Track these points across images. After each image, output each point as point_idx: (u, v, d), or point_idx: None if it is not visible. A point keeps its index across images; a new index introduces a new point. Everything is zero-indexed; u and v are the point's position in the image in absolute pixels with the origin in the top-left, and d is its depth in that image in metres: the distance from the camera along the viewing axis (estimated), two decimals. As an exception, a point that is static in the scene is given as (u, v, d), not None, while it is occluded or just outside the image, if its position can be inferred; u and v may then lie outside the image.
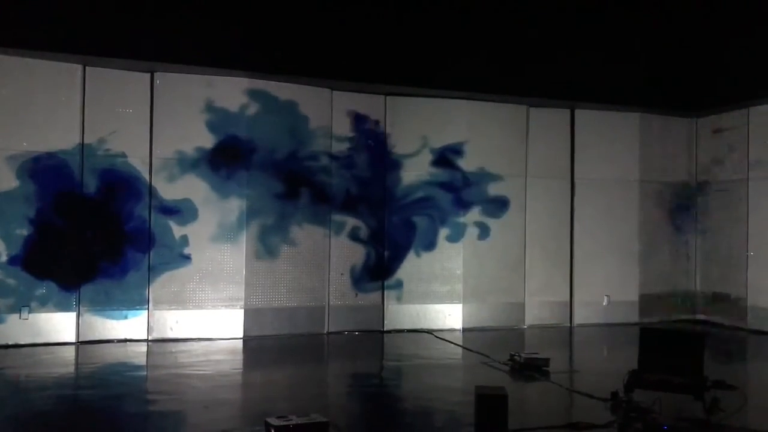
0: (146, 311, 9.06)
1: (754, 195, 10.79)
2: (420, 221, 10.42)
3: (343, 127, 10.04)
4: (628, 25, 10.94)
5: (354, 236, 10.06)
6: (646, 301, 11.45)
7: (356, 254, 10.08)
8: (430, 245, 10.44)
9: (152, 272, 9.07)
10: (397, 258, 10.33)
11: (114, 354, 8.32)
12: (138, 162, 9.05)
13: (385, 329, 10.20)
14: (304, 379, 7.43)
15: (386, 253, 10.26)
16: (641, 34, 11.03)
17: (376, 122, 10.26)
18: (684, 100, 11.47)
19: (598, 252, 11.26)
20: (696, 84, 11.33)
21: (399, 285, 10.31)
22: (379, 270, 10.21)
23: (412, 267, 10.36)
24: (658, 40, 11.13)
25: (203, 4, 9.04)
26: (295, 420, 4.97)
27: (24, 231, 8.53)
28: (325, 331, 9.87)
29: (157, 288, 9.08)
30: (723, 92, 11.04)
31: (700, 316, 11.72)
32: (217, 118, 9.33)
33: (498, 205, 10.77)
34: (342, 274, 9.89)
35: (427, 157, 10.47)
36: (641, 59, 11.06)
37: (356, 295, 9.98)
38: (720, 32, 10.99)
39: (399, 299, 10.31)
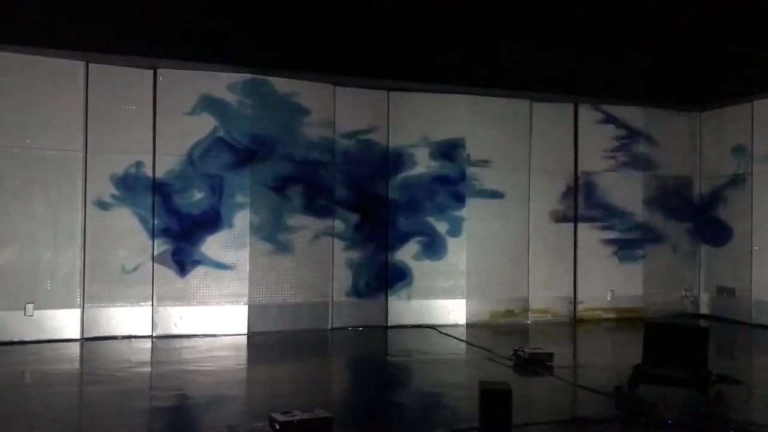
0: (150, 307, 9.08)
1: (758, 189, 10.77)
2: (423, 217, 10.41)
3: (345, 122, 10.04)
4: (632, 19, 10.90)
5: (357, 232, 10.06)
6: (650, 296, 11.44)
7: (360, 250, 10.08)
8: (433, 241, 10.44)
9: (156, 268, 9.09)
10: (401, 253, 10.32)
11: (119, 350, 8.34)
12: (141, 159, 9.06)
13: (388, 325, 10.21)
14: (308, 375, 7.45)
15: (389, 249, 10.26)
16: (645, 28, 10.99)
17: (379, 117, 10.26)
18: (688, 95, 11.45)
19: (602, 246, 11.26)
20: (700, 78, 11.30)
21: (402, 280, 10.31)
22: (382, 265, 10.21)
23: (415, 262, 10.36)
24: (662, 34, 11.08)
25: (206, 1, 9.03)
26: (299, 415, 4.98)
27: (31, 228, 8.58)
28: (328, 327, 9.88)
29: (161, 284, 9.10)
30: (727, 86, 11.01)
31: (704, 311, 11.71)
32: (220, 114, 9.33)
33: (501, 201, 10.75)
34: None
35: (430, 152, 10.45)
36: (645, 54, 11.02)
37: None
38: (724, 26, 10.95)
39: (402, 294, 10.30)
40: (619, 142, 11.40)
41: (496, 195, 10.73)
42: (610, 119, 11.39)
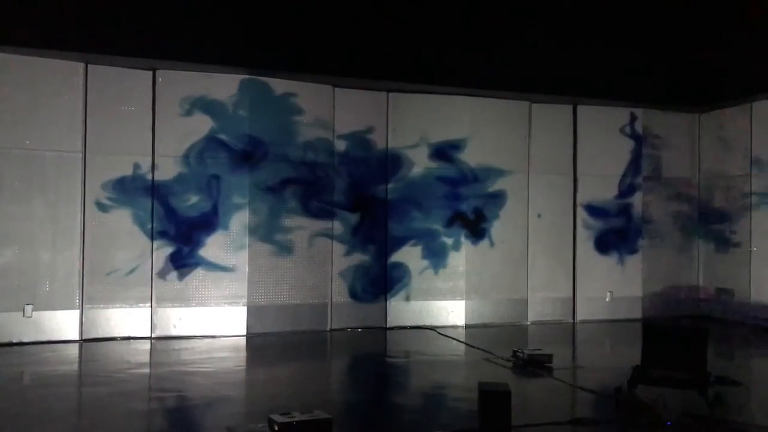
0: (149, 309, 9.07)
1: (757, 190, 10.77)
2: (422, 218, 10.41)
3: (344, 123, 10.04)
4: (631, 20, 10.91)
5: (356, 233, 10.06)
6: (650, 297, 11.45)
7: (358, 251, 10.07)
8: (432, 242, 10.43)
9: (155, 270, 9.08)
10: (399, 254, 10.32)
11: (117, 351, 8.34)
12: (140, 160, 9.06)
13: (388, 326, 10.21)
14: (308, 376, 7.44)
15: (388, 250, 10.26)
16: (644, 29, 11.00)
17: (378, 119, 10.26)
18: (687, 96, 11.46)
19: (601, 248, 11.28)
20: (699, 79, 11.31)
21: (401, 281, 10.31)
22: (381, 266, 10.21)
23: (414, 263, 10.36)
24: (661, 35, 11.10)
25: (205, 1, 9.04)
26: (298, 416, 4.98)
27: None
28: (328, 328, 9.87)
29: (160, 285, 9.10)
30: (726, 88, 11.02)
31: (703, 312, 11.71)
32: (218, 115, 9.33)
33: (500, 202, 10.76)
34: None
35: (429, 153, 10.45)
36: (644, 55, 11.03)
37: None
38: (723, 27, 10.97)
39: (401, 296, 10.30)
40: (616, 143, 11.41)
41: (495, 196, 10.73)
42: (610, 120, 11.41)
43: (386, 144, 10.30)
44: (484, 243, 10.66)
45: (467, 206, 10.58)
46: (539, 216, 10.95)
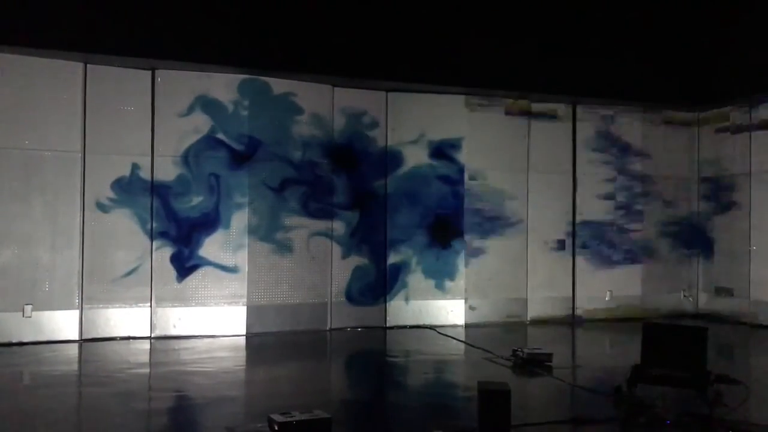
0: (149, 309, 9.07)
1: (757, 189, 10.77)
2: (421, 217, 10.40)
3: (344, 122, 10.04)
4: (631, 19, 10.91)
5: (356, 232, 10.06)
6: (649, 296, 11.45)
7: (358, 250, 10.07)
8: (431, 241, 10.43)
9: (155, 270, 9.07)
10: (399, 253, 10.32)
11: (117, 351, 8.33)
12: (140, 160, 9.05)
13: (387, 325, 10.21)
14: (307, 376, 7.45)
15: (387, 249, 10.25)
16: (643, 28, 11.00)
17: (377, 118, 10.26)
18: (686, 95, 11.45)
19: (600, 247, 11.28)
20: (698, 79, 11.31)
21: (401, 281, 10.31)
22: (380, 265, 10.21)
23: (413, 263, 10.36)
24: (660, 34, 11.10)
25: (205, 1, 9.03)
26: (298, 416, 4.98)
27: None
28: (327, 328, 9.87)
29: (159, 285, 9.09)
30: (726, 87, 11.01)
31: (703, 311, 11.71)
32: (218, 115, 9.33)
33: (500, 200, 10.76)
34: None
35: (428, 152, 10.45)
36: (643, 54, 11.03)
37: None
38: (723, 26, 10.97)
39: (401, 295, 10.30)
40: (618, 143, 11.42)
41: (494, 195, 10.73)
42: (607, 121, 11.41)
43: (385, 143, 10.30)
44: (484, 242, 10.64)
45: (466, 205, 10.56)
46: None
